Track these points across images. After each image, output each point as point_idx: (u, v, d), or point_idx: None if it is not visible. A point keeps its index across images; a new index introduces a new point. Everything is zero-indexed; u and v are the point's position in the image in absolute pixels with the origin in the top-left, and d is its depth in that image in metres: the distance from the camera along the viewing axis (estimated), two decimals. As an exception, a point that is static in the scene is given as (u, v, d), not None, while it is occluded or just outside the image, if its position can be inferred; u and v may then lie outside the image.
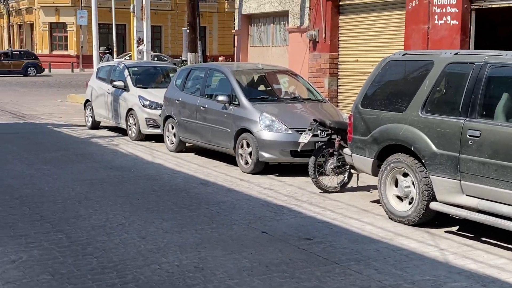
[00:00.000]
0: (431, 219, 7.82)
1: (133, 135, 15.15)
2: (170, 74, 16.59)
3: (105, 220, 7.97)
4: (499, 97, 7.13)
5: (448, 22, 13.02)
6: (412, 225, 7.81)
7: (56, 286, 5.77)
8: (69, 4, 56.44)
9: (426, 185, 7.61)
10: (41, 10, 57.78)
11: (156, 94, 15.00)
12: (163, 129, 13.95)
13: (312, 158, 9.79)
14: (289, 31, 18.06)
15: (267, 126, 11.07)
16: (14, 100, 26.35)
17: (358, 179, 9.81)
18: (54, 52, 58.35)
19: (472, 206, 7.20)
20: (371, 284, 5.89)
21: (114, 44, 46.41)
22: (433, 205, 7.56)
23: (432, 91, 7.78)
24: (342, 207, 8.84)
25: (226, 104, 11.85)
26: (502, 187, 6.83)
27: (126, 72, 16.01)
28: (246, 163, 11.31)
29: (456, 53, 7.88)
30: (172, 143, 13.59)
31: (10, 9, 62.81)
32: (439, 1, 13.15)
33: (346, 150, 9.13)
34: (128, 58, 36.92)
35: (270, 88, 13.00)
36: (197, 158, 12.77)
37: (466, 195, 7.26)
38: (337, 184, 9.86)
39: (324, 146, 9.90)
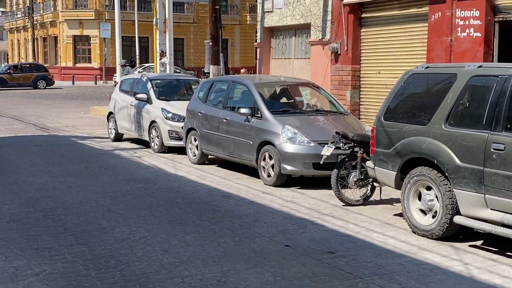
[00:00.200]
0: (455, 233, 7.76)
1: (156, 147, 15.21)
2: (193, 87, 16.65)
3: (128, 233, 8.00)
4: (523, 110, 7.07)
5: (471, 34, 12.96)
6: (436, 239, 7.75)
7: (80, 299, 5.80)
8: (93, 18, 56.99)
9: (450, 198, 7.55)
10: (65, 23, 58.38)
11: (179, 107, 15.07)
12: (185, 141, 14.00)
13: (335, 171, 9.76)
14: (311, 44, 18.07)
15: (289, 139, 11.07)
16: (38, 112, 26.60)
17: (381, 192, 9.76)
18: (77, 65, 58.91)
19: (497, 220, 7.13)
20: (394, 299, 5.85)
21: (137, 57, 46.79)
22: (457, 219, 7.50)
23: (455, 104, 7.73)
24: (365, 220, 8.80)
25: (248, 117, 11.87)
26: (527, 201, 6.76)
27: (149, 85, 16.11)
28: (269, 175, 11.31)
29: (480, 66, 7.83)
30: (194, 155, 13.63)
31: (35, 22, 63.48)
32: (462, 14, 13.09)
33: (369, 163, 9.10)
34: (142, 70, 36.91)
35: (292, 100, 13.00)
36: (219, 171, 12.80)
37: (491, 209, 7.19)
38: (360, 197, 9.82)
39: (346, 159, 9.88)
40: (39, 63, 57.21)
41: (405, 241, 7.73)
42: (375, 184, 9.56)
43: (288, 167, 10.94)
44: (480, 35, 12.82)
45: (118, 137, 17.37)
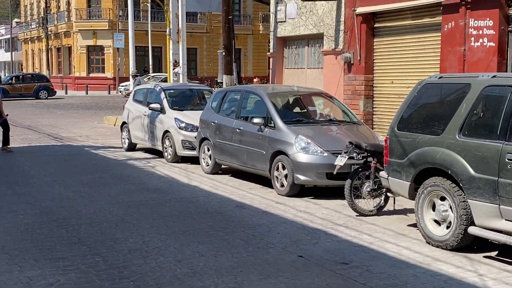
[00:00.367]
0: (469, 244, 7.72)
1: (169, 157, 15.24)
2: (206, 96, 16.70)
3: (142, 243, 8.01)
4: (538, 120, 7.04)
5: (484, 44, 12.92)
6: (450, 250, 7.71)
7: (93, 309, 5.80)
8: (107, 28, 57.30)
9: (464, 209, 7.52)
10: (79, 33, 58.73)
11: (192, 116, 15.10)
12: (199, 151, 14.02)
13: (348, 181, 9.75)
14: (324, 54, 18.08)
15: (302, 149, 11.06)
16: (52, 122, 26.73)
17: (394, 202, 9.72)
18: (91, 75, 59.23)
19: (512, 231, 7.10)
20: (409, 310, 5.82)
21: (150, 67, 46.99)
22: (472, 230, 7.46)
23: (469, 114, 7.71)
24: (379, 230, 8.77)
25: (261, 126, 11.88)
26: (542, 211, 6.72)
27: (162, 95, 16.17)
28: (282, 185, 11.30)
29: (494, 76, 7.81)
30: (207, 165, 13.65)
31: (49, 33, 63.92)
32: (475, 23, 13.06)
33: (382, 173, 9.07)
34: (147, 80, 36.99)
35: (306, 110, 13.00)
36: (232, 180, 12.80)
37: (505, 219, 7.15)
38: (374, 207, 9.79)
39: (360, 169, 9.86)
40: (41, 73, 57.41)
41: (419, 252, 7.69)
42: (388, 194, 9.52)
43: (302, 177, 10.93)
44: (494, 44, 12.78)
45: (132, 147, 17.42)
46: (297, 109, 12.96)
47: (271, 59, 21.26)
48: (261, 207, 10.27)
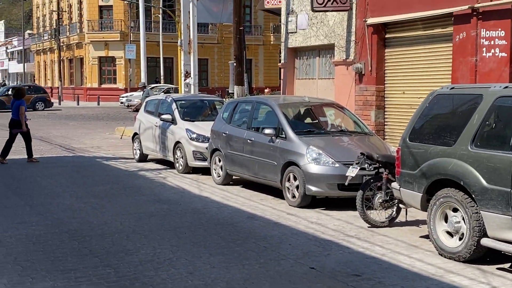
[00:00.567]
0: (482, 256, 7.67)
1: (180, 168, 15.26)
2: (217, 107, 16.73)
3: (153, 254, 8.01)
4: (551, 131, 7.00)
5: (496, 54, 12.87)
6: (463, 262, 7.66)
7: (105, 321, 5.80)
8: (118, 39, 57.57)
9: (477, 220, 7.47)
10: (91, 45, 59.04)
11: (203, 127, 15.12)
12: (210, 162, 14.03)
13: (360, 192, 9.72)
14: (335, 64, 18.07)
15: (314, 159, 11.04)
16: (64, 133, 26.83)
17: (406, 214, 9.68)
18: (103, 86, 59.47)
19: (525, 243, 7.04)
20: (421, 323, 5.78)
21: (162, 77, 47.13)
22: (484, 241, 7.42)
23: (481, 125, 7.67)
24: (391, 242, 8.73)
25: (272, 137, 11.88)
26: (556, 223, 6.66)
27: (173, 106, 16.21)
28: (293, 196, 11.28)
29: (506, 87, 7.77)
30: (219, 176, 13.65)
31: (61, 44, 64.29)
32: (487, 34, 13.02)
33: (394, 184, 9.04)
34: (150, 89, 36.43)
35: (317, 121, 12.99)
36: (244, 191, 12.79)
37: (519, 231, 7.11)
38: (386, 218, 9.75)
39: (371, 180, 9.83)
40: (38, 85, 57.43)
41: (432, 264, 7.65)
42: (400, 205, 9.49)
43: (313, 188, 10.91)
44: (506, 55, 12.73)
45: (143, 158, 17.45)
46: (308, 120, 12.95)
47: (282, 70, 21.28)
48: (272, 218, 10.25)
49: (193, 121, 15.77)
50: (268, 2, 23.91)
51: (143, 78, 29.73)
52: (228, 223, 9.85)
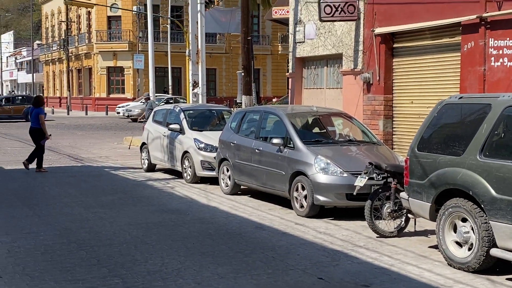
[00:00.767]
0: (491, 266, 7.63)
1: (188, 177, 15.26)
2: (225, 117, 16.74)
3: (161, 265, 8.00)
4: (560, 140, 6.97)
5: (505, 63, 12.85)
6: (472, 272, 7.62)
7: (113, 332, 5.78)
8: (127, 49, 57.76)
9: (486, 230, 7.44)
10: (100, 55, 59.26)
11: (211, 137, 15.13)
12: (218, 172, 14.02)
13: (368, 202, 9.69)
14: (343, 74, 18.07)
15: (322, 169, 11.03)
16: (72, 143, 26.89)
17: (415, 224, 9.65)
18: (111, 95, 59.62)
19: (535, 253, 7.00)
20: (430, 334, 5.75)
21: (170, 87, 47.25)
22: (494, 252, 7.38)
23: (490, 134, 7.65)
24: (400, 252, 8.69)
25: (280, 147, 11.87)
26: None
27: (181, 115, 16.23)
28: (301, 206, 11.25)
29: (515, 96, 7.75)
30: (227, 186, 13.64)
31: (70, 54, 64.57)
32: (495, 43, 13.00)
33: (403, 194, 9.01)
34: (151, 101, 36.26)
35: (325, 130, 12.98)
36: (252, 201, 12.78)
37: (528, 241, 7.07)
38: (394, 228, 9.71)
39: (380, 190, 9.80)
40: (31, 95, 57.35)
41: (441, 274, 7.62)
42: (409, 215, 9.45)
43: (321, 198, 10.89)
44: (514, 64, 12.71)
45: (151, 168, 17.47)
46: (316, 130, 12.95)
47: (290, 80, 21.29)
48: (280, 228, 10.23)
49: (201, 130, 15.79)
50: (276, 12, 23.98)
51: (151, 88, 29.77)
52: (236, 233, 9.84)
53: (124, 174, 16.98)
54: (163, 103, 32.92)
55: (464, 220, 7.80)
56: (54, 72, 74.23)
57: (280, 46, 61.78)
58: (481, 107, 8.04)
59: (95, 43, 59.68)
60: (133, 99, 55.02)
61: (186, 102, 31.47)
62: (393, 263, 8.14)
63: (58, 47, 69.93)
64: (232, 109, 20.77)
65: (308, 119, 13.09)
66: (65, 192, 13.80)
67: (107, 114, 52.91)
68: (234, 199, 12.96)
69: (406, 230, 9.79)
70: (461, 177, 7.78)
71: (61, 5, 65.90)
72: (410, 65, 15.90)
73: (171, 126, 16.08)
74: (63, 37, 66.82)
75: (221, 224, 10.47)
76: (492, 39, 13.12)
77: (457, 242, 7.95)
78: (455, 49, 14.28)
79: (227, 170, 13.60)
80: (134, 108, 45.48)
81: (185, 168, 15.46)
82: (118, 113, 48.82)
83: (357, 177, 10.05)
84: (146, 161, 17.58)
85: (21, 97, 48.73)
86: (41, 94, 50.63)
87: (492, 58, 13.11)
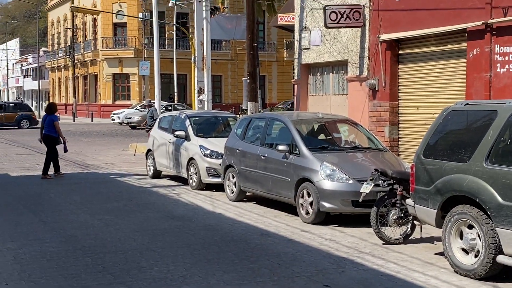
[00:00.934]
0: (498, 273, 7.59)
1: (194, 184, 15.25)
2: (231, 123, 16.74)
3: (166, 271, 7.99)
4: None
5: (511, 70, 12.82)
6: (479, 279, 7.59)
7: None
8: (132, 56, 57.85)
9: (493, 237, 7.41)
10: (105, 61, 59.37)
11: (217, 144, 15.14)
12: (223, 178, 14.02)
13: (374, 209, 9.67)
14: (348, 80, 18.06)
15: (327, 176, 11.01)
16: (78, 150, 26.91)
17: (421, 230, 9.62)
18: (117, 102, 59.68)
19: (542, 260, 6.97)
20: None
21: (175, 94, 47.28)
22: (500, 259, 7.35)
23: (496, 141, 7.62)
24: (406, 259, 8.66)
25: (286, 154, 11.85)
26: None
27: (187, 122, 16.23)
28: (307, 213, 11.23)
29: (521, 103, 7.73)
30: (232, 192, 13.63)
31: (76, 61, 64.71)
32: (501, 49, 12.98)
33: (409, 201, 8.99)
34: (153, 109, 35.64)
35: (330, 137, 12.98)
36: (257, 208, 12.76)
37: (535, 248, 7.03)
38: (400, 235, 9.68)
39: (386, 197, 9.78)
40: (24, 102, 57.27)
41: (447, 281, 7.59)
42: (415, 222, 9.42)
43: (327, 205, 10.87)
44: (520, 70, 12.69)
45: (157, 174, 17.47)
46: (322, 136, 12.94)
47: (295, 86, 21.29)
48: (286, 235, 10.21)
49: (206, 137, 15.79)
50: (281, 19, 23.99)
51: (157, 94, 29.71)
52: (242, 240, 9.82)
53: (130, 180, 16.99)
54: (162, 110, 32.92)
55: (470, 227, 7.78)
56: (60, 79, 74.40)
57: (285, 53, 61.81)
58: (487, 114, 8.02)
59: (101, 50, 59.80)
60: (128, 106, 54.92)
61: (184, 109, 31.53)
62: (399, 270, 8.11)
63: (64, 54, 70.09)
64: (237, 115, 20.76)
65: (314, 125, 13.08)
66: (71, 198, 13.81)
67: (113, 120, 52.90)
68: (240, 206, 12.95)
69: (412, 237, 9.76)
70: (467, 183, 7.76)
71: (67, 12, 66.22)
72: (415, 71, 15.88)
73: (177, 132, 16.09)
74: (69, 44, 66.97)
75: (227, 231, 10.45)
76: (498, 45, 13.10)
77: (463, 249, 7.92)
78: (461, 55, 14.26)
79: (233, 177, 13.59)
80: (134, 115, 45.53)
81: (190, 175, 15.45)
82: (113, 119, 48.77)
83: (363, 183, 10.04)
84: (152, 168, 17.58)
85: (13, 105, 48.32)
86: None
87: (498, 64, 13.09)
